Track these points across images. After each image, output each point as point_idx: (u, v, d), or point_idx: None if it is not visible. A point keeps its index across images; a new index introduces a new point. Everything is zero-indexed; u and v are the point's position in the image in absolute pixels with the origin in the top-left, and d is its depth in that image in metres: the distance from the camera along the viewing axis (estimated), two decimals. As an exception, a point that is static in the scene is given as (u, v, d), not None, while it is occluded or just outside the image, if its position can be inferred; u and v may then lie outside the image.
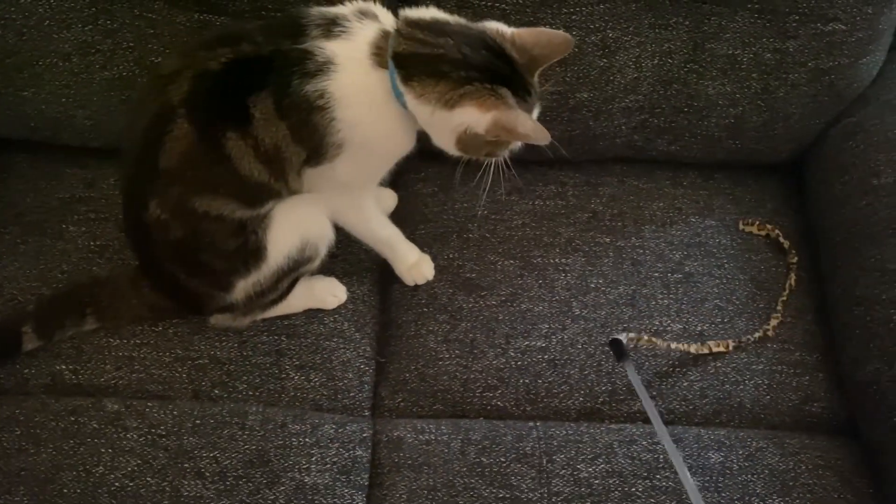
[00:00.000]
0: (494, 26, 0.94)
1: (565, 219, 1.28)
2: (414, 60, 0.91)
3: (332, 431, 1.08)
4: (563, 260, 1.24)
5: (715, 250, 1.26)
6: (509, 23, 1.11)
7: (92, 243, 1.22)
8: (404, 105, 0.94)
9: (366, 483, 1.07)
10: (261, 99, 0.93)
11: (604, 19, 1.16)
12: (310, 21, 0.94)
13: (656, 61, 1.19)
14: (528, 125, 0.91)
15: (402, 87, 0.92)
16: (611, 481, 1.06)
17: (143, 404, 1.09)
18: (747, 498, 1.05)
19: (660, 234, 1.27)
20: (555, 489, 1.06)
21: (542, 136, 0.93)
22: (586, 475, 1.07)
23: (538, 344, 1.16)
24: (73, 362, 1.12)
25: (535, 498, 1.05)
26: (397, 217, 1.31)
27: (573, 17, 1.16)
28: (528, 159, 1.33)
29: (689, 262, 1.24)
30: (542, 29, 0.96)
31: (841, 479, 1.08)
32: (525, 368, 1.15)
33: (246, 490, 1.03)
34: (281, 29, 0.96)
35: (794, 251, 1.25)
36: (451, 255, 1.25)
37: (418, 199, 1.33)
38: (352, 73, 0.93)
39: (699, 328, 1.18)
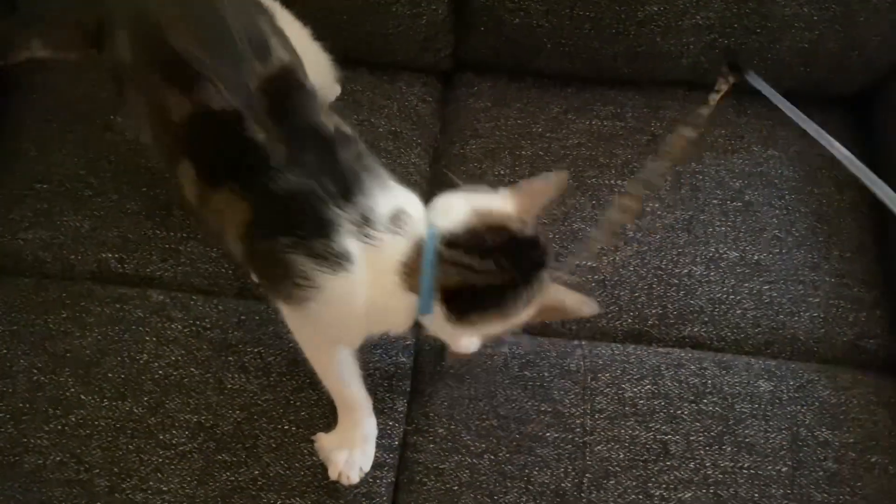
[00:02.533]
0: (505, 210, 0.83)
1: (623, 140, 1.24)
2: (465, 295, 0.80)
3: (375, 337, 1.07)
4: (618, 181, 1.20)
5: (776, 181, 1.21)
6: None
7: (139, 138, 1.19)
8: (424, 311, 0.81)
9: (408, 389, 1.06)
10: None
11: (681, -72, 1.10)
12: (341, 216, 0.78)
13: (733, -24, 1.13)
14: (573, 302, 0.87)
15: (450, 324, 0.81)
16: (656, 402, 1.05)
17: (188, 297, 1.09)
18: (795, 428, 1.03)
19: (720, 161, 1.22)
20: (598, 406, 1.04)
21: (589, 309, 0.87)
22: (631, 395, 1.05)
23: (589, 263, 1.14)
24: (119, 251, 1.11)
25: (577, 413, 1.04)
26: (448, 131, 1.28)
27: (649, -77, 1.10)
28: (586, 76, 1.30)
29: (749, 190, 1.20)
30: (537, 187, 0.86)
31: (892, 416, 1.05)
32: (573, 287, 1.12)
33: (289, 387, 1.03)
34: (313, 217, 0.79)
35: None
36: (502, 172, 1.22)
37: (470, 113, 1.29)
38: (370, 287, 0.79)
39: (756, 257, 1.14)
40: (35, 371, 1.02)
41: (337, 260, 0.77)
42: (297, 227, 0.78)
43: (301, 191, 0.78)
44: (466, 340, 0.89)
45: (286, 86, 0.83)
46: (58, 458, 0.99)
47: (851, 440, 1.03)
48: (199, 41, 0.81)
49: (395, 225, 0.80)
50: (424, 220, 0.83)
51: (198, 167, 0.82)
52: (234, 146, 0.79)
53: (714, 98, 1.19)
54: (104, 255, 1.11)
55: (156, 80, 0.83)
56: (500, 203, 0.85)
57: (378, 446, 0.99)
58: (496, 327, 0.83)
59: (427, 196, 1.21)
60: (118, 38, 0.87)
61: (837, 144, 0.96)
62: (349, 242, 0.77)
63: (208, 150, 0.81)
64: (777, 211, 1.19)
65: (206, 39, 0.82)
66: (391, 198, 0.82)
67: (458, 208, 0.83)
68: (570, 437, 1.02)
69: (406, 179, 1.19)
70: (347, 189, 0.79)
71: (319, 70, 1.07)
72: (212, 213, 0.84)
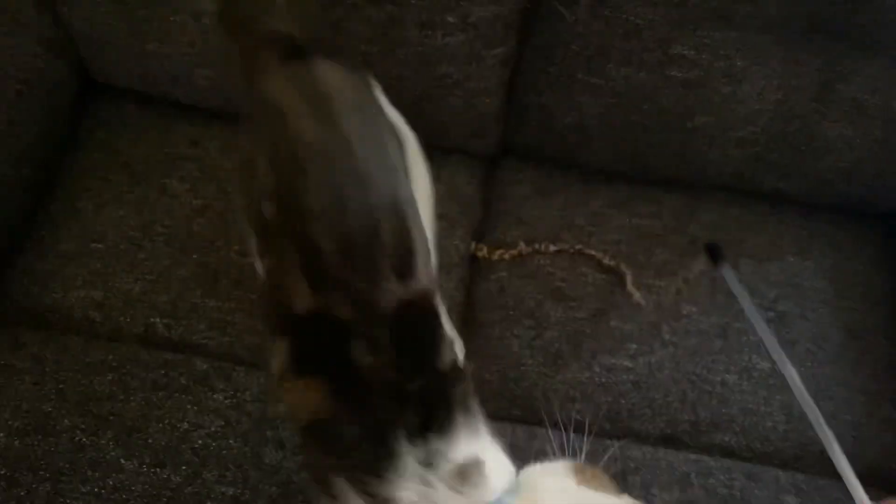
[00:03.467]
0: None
1: (661, 240, 1.27)
2: None
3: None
4: (655, 281, 1.23)
5: (810, 293, 1.24)
6: (640, 39, 1.12)
7: (194, 201, 1.23)
8: None
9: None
10: None
11: (734, 47, 1.14)
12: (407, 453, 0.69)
13: (780, 95, 1.17)
14: None
15: None
16: (684, 510, 1.06)
17: (231, 367, 1.11)
18: (820, 547, 1.04)
19: (756, 269, 1.25)
20: (627, 510, 1.05)
21: None
22: (660, 500, 1.06)
23: (624, 363, 1.16)
24: (167, 316, 1.14)
25: (606, 516, 1.05)
26: (490, 215, 1.31)
27: (704, 40, 1.14)
28: (628, 174, 1.34)
29: (783, 301, 1.22)
30: None
31: (918, 542, 1.06)
32: (609, 386, 1.15)
33: (324, 466, 1.04)
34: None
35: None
36: (542, 262, 1.25)
37: (513, 200, 1.33)
38: None
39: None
40: (78, 432, 1.04)
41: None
42: (353, 450, 0.70)
43: (376, 416, 0.69)
44: None
45: (418, 316, 0.74)
46: (92, 521, 1.00)
47: (874, 563, 1.04)
48: (343, 244, 0.72)
49: (461, 480, 0.68)
50: (500, 486, 0.70)
51: (294, 352, 0.75)
52: (337, 354, 0.72)
53: (683, 276, 1.19)
54: (153, 320, 1.14)
55: (290, 261, 0.74)
56: None
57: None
58: None
59: (466, 281, 1.25)
60: (261, 167, 0.80)
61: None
62: (402, 488, 0.67)
63: (312, 345, 0.74)
64: (810, 324, 1.21)
65: (350, 244, 0.72)
66: (473, 446, 0.71)
67: (554, 498, 0.70)
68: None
69: (447, 261, 1.25)
70: (429, 424, 0.69)
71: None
72: (287, 390, 0.77)
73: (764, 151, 1.23)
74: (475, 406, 0.74)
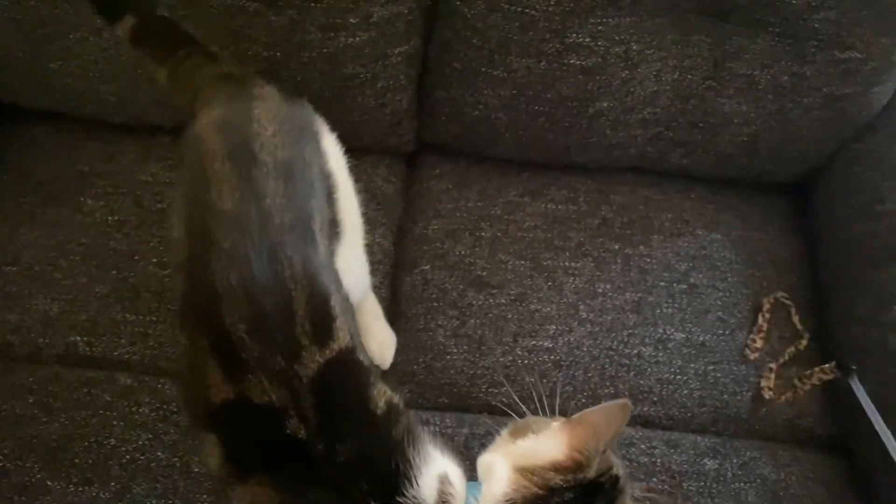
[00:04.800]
0: (554, 456, 0.74)
1: (576, 223, 1.31)
2: None
3: None
4: (572, 264, 1.26)
5: (719, 263, 1.29)
6: (536, 30, 1.16)
7: (110, 217, 1.23)
8: None
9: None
10: None
11: (629, 32, 1.18)
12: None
13: (676, 76, 1.22)
14: None
15: None
16: (609, 482, 1.10)
17: (156, 380, 1.11)
18: (739, 505, 1.09)
19: (667, 244, 1.30)
20: (554, 486, 1.09)
21: None
22: (585, 474, 1.10)
23: (545, 344, 1.19)
24: (87, 334, 1.14)
25: (534, 493, 1.08)
26: (411, 211, 1.34)
27: (599, 27, 1.18)
28: (540, 162, 1.37)
29: (694, 273, 1.27)
30: (597, 419, 0.75)
31: (830, 493, 1.12)
32: (531, 367, 1.18)
33: (254, 470, 1.05)
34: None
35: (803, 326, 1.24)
36: (462, 252, 1.28)
37: (432, 194, 1.35)
38: None
39: (701, 338, 1.21)
40: (1, 457, 1.04)
41: None
42: None
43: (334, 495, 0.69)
44: None
45: (341, 372, 0.73)
46: (21, 546, 1.00)
47: (791, 516, 1.10)
48: (253, 320, 0.70)
49: (442, 499, 0.71)
50: (462, 487, 0.75)
51: (227, 451, 0.72)
52: (271, 441, 0.70)
53: (808, 380, 1.19)
54: (73, 339, 1.13)
55: (202, 343, 0.72)
56: (547, 446, 0.74)
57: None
58: None
59: (390, 277, 1.27)
60: (176, 231, 0.78)
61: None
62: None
63: (243, 438, 0.72)
64: (720, 293, 1.26)
65: (260, 319, 0.70)
66: (433, 467, 0.73)
67: (499, 472, 0.74)
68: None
69: (371, 258, 1.27)
70: (391, 483, 0.70)
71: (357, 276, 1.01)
72: (238, 497, 0.73)
73: (666, 131, 1.27)
74: (422, 433, 0.75)
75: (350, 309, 0.81)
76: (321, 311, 0.73)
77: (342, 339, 0.73)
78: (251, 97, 0.86)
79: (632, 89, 1.22)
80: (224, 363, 0.71)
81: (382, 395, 0.75)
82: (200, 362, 0.72)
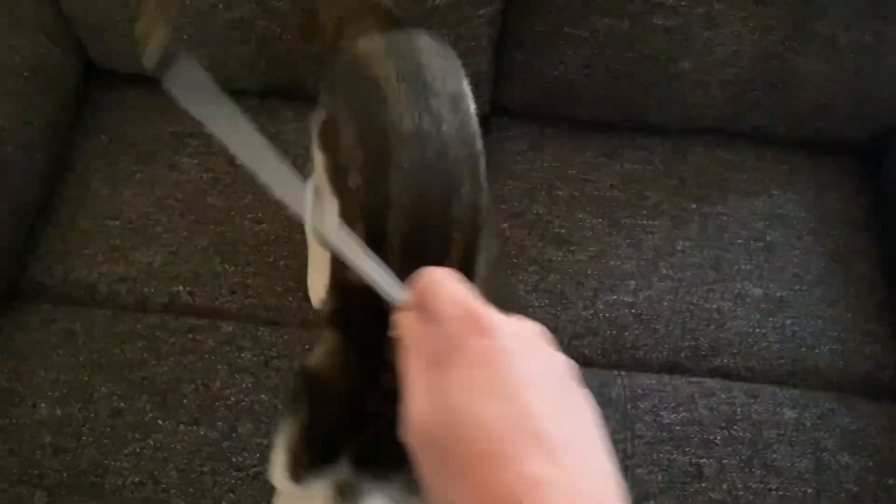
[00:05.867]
0: None
1: (653, 183, 1.33)
2: None
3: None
4: (650, 222, 1.29)
5: (795, 222, 1.31)
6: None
7: (205, 175, 1.28)
8: None
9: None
10: None
11: (711, -8, 1.20)
12: None
13: (757, 36, 1.23)
14: None
15: None
16: (691, 429, 1.13)
17: (255, 329, 1.16)
18: (819, 453, 1.12)
19: (743, 204, 1.32)
20: (638, 432, 1.13)
21: None
22: (668, 422, 1.14)
23: (625, 299, 1.23)
24: (190, 284, 1.19)
25: (618, 439, 1.12)
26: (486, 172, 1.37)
27: (682, -12, 1.20)
28: (616, 124, 1.40)
29: (770, 231, 1.29)
30: None
31: (908, 443, 1.15)
32: (612, 321, 1.21)
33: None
34: None
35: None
36: (540, 211, 1.31)
37: (507, 156, 1.38)
38: None
39: (778, 294, 1.24)
40: (115, 398, 1.10)
41: None
42: None
43: None
44: None
45: None
46: (137, 480, 1.06)
47: (870, 464, 1.12)
48: (407, 239, 0.68)
49: None
50: None
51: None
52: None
53: None
54: (176, 288, 1.19)
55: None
56: None
57: None
58: None
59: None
60: (346, 135, 0.76)
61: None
62: None
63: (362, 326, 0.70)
64: (796, 251, 1.28)
65: (416, 243, 0.68)
66: None
67: None
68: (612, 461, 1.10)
69: None
70: None
71: None
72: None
73: (745, 91, 1.29)
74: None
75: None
76: (468, 262, 0.72)
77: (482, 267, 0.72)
78: (410, 31, 0.84)
79: (713, 49, 1.24)
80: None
81: None
82: None
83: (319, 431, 0.67)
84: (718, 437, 1.13)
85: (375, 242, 0.69)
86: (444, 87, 0.78)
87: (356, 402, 0.67)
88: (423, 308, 0.50)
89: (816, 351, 1.21)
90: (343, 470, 0.65)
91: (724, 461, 1.11)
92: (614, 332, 1.21)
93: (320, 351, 0.72)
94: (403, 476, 0.66)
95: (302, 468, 0.67)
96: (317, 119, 0.94)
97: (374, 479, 0.65)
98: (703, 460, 1.11)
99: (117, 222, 1.23)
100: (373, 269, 0.57)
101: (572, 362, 0.48)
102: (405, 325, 0.50)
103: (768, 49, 1.24)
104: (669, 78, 1.27)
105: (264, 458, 1.07)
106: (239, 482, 1.06)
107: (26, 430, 1.08)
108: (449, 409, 0.43)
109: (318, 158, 0.90)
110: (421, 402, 0.45)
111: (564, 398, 0.46)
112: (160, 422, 1.09)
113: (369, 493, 0.65)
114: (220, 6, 1.23)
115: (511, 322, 0.48)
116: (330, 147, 0.84)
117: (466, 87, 0.86)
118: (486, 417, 0.42)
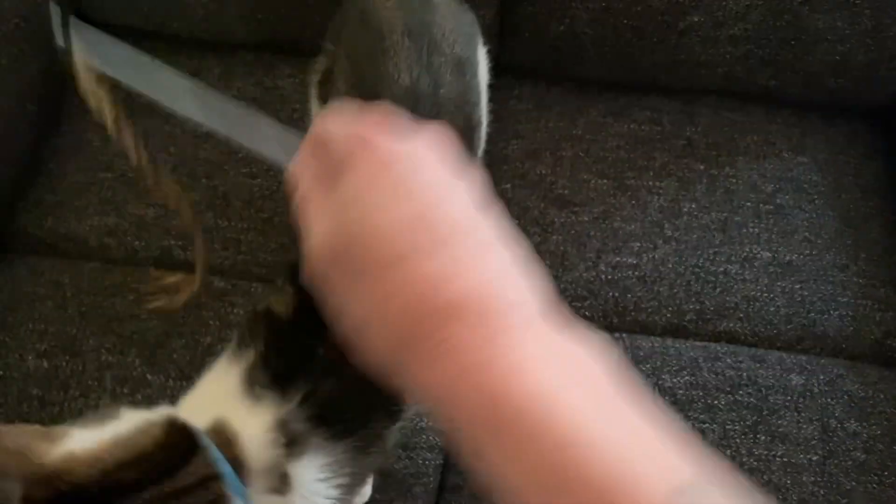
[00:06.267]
0: None
1: (660, 144, 1.29)
2: None
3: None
4: (656, 183, 1.26)
5: (806, 185, 1.27)
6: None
7: (198, 129, 1.25)
8: None
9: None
10: None
11: (723, -57, 1.16)
12: None
13: (770, -10, 1.19)
14: None
15: None
16: (694, 393, 1.10)
17: (248, 285, 1.14)
18: (826, 420, 1.09)
19: (753, 166, 1.28)
20: (639, 396, 1.10)
21: None
22: (670, 385, 1.10)
23: (629, 261, 1.19)
24: (181, 239, 1.16)
25: (619, 402, 1.09)
26: (489, 132, 1.33)
27: (693, -62, 1.16)
28: (623, 83, 1.36)
29: (780, 194, 1.26)
30: None
31: (918, 411, 1.11)
32: (615, 283, 1.18)
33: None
34: None
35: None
36: (543, 172, 1.28)
37: (512, 115, 1.34)
38: None
39: (787, 258, 1.20)
40: (104, 351, 1.07)
41: None
42: None
43: None
44: None
45: None
46: (124, 435, 1.03)
47: (879, 432, 1.09)
48: None
49: None
50: None
51: None
52: None
53: None
54: (167, 243, 1.16)
55: None
56: None
57: None
58: None
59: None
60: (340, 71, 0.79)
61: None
62: None
63: None
64: (807, 214, 1.24)
65: None
66: None
67: None
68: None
69: None
70: None
71: None
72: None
73: (756, 48, 1.25)
74: None
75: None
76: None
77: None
78: None
79: (724, 3, 1.20)
80: None
81: None
82: None
83: (274, 359, 0.67)
84: (722, 402, 1.10)
85: None
86: (452, 48, 0.76)
87: (310, 347, 0.65)
88: (317, 146, 0.49)
89: (826, 316, 1.17)
90: (293, 412, 0.63)
91: (728, 427, 1.08)
92: (616, 293, 1.17)
93: (278, 300, 0.71)
94: (352, 440, 0.65)
95: (258, 385, 0.66)
96: (317, 69, 0.92)
97: (321, 435, 0.63)
98: (707, 425, 1.08)
99: (109, 174, 1.20)
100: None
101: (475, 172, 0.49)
102: (299, 169, 0.50)
103: (782, 3, 1.20)
104: (679, 33, 1.23)
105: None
106: (229, 439, 1.04)
107: (13, 383, 1.05)
108: (346, 220, 0.44)
109: (315, 109, 0.88)
110: (321, 226, 0.45)
111: (455, 195, 0.46)
112: (149, 376, 1.06)
113: (314, 450, 0.63)
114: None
115: (404, 136, 0.47)
116: (325, 97, 0.82)
117: (478, 55, 0.84)
118: (381, 222, 0.43)
